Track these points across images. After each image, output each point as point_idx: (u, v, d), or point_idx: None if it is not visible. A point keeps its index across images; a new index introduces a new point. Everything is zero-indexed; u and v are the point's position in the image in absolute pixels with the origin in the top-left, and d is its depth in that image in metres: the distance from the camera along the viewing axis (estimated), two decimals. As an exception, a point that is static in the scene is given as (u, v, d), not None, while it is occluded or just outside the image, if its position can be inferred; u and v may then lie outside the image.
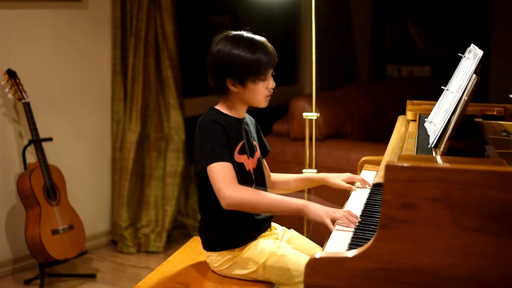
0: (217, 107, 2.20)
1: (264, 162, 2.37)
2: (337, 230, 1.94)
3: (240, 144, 2.17)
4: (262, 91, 2.15)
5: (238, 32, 2.17)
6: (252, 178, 2.21)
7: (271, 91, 2.18)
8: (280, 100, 5.17)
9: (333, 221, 2.00)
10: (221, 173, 2.03)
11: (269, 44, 2.16)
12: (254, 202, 2.05)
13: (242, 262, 2.18)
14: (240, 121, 2.21)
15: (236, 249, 2.19)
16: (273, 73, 2.19)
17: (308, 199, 2.90)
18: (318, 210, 2.03)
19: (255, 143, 2.27)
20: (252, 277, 2.18)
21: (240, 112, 2.21)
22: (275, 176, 2.44)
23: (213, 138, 2.07)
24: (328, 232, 1.93)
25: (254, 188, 2.21)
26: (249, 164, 2.20)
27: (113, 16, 4.04)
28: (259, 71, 2.10)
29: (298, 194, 2.58)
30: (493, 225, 1.45)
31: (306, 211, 2.04)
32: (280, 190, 2.44)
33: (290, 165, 3.95)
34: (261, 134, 2.36)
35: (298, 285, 2.12)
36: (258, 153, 2.27)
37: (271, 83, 2.16)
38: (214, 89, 2.18)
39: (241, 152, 2.17)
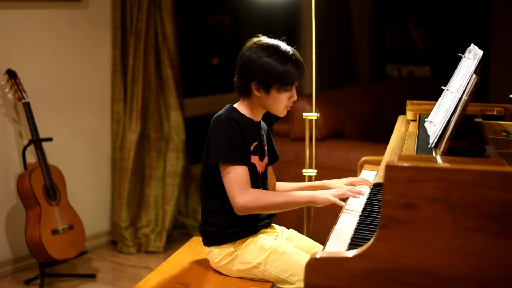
0: (235, 106, 2.23)
1: (272, 171, 2.41)
2: (346, 210, 2.01)
3: (254, 145, 2.20)
4: (283, 101, 2.19)
5: (275, 41, 2.20)
6: (260, 181, 2.24)
7: (292, 103, 2.22)
8: (280, 100, 5.17)
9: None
10: (235, 180, 2.08)
11: (300, 58, 2.19)
12: (266, 206, 2.13)
13: (243, 257, 2.19)
14: (255, 123, 2.24)
15: (237, 241, 2.20)
16: (296, 85, 2.22)
17: (308, 208, 2.92)
18: (324, 194, 2.12)
19: (265, 148, 2.30)
20: (252, 273, 2.19)
21: (257, 116, 2.24)
22: (280, 186, 2.47)
23: (228, 136, 2.11)
24: (328, 232, 1.93)
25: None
26: (259, 166, 2.23)
27: (113, 16, 4.04)
28: (286, 82, 2.15)
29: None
30: (493, 225, 1.45)
31: (315, 200, 2.12)
32: None
33: (290, 165, 3.95)
34: (272, 141, 2.39)
35: (298, 283, 2.13)
36: (266, 158, 2.29)
37: (294, 96, 2.20)
38: (238, 90, 2.22)
39: (254, 153, 2.20)
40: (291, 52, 2.18)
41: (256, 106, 2.21)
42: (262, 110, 2.24)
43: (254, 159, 2.20)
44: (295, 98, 2.21)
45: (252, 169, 2.18)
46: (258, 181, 2.23)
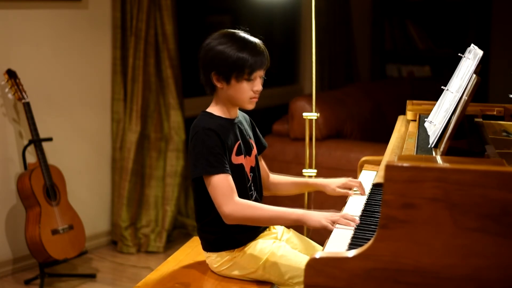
0: (208, 109, 2.19)
1: (263, 162, 2.36)
2: (337, 228, 1.94)
3: (236, 145, 2.16)
4: (246, 92, 2.12)
5: (232, 30, 2.16)
6: (249, 177, 2.21)
7: (257, 94, 2.15)
8: (280, 100, 5.17)
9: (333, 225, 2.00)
10: (220, 189, 2.05)
11: (262, 47, 2.13)
12: (254, 217, 2.08)
13: (241, 262, 2.18)
14: (233, 121, 2.19)
15: (236, 249, 2.18)
16: (265, 77, 2.17)
17: (307, 204, 2.89)
18: (316, 216, 2.03)
19: (251, 141, 2.26)
20: (252, 277, 2.18)
21: (232, 112, 2.19)
22: (274, 178, 2.43)
23: (207, 147, 2.06)
24: (328, 232, 1.93)
25: (253, 188, 2.23)
26: (247, 163, 2.20)
27: (113, 16, 4.04)
28: (242, 70, 2.08)
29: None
30: (493, 225, 1.45)
31: (305, 220, 2.04)
32: (278, 193, 2.44)
33: (290, 165, 3.95)
34: (257, 130, 2.34)
35: (298, 285, 2.12)
36: (254, 151, 2.26)
37: (257, 86, 2.13)
38: (204, 85, 2.19)
39: (238, 153, 2.16)
40: (248, 39, 2.12)
41: (224, 101, 2.16)
42: (232, 106, 2.18)
43: (240, 159, 2.16)
44: (259, 88, 2.13)
45: (239, 171, 2.15)
46: (248, 180, 2.20)
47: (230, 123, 2.17)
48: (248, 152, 2.21)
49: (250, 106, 2.16)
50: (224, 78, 2.11)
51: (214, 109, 2.18)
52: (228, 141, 2.12)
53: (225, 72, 2.10)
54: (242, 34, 2.14)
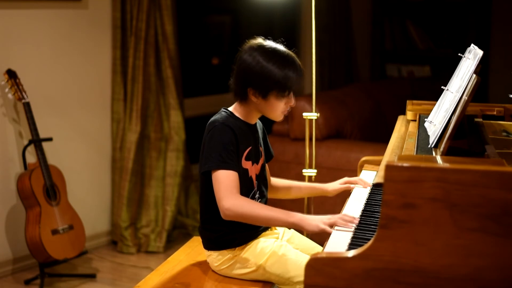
0: (231, 109, 2.19)
1: (267, 166, 2.37)
2: (336, 230, 1.94)
3: (248, 150, 2.17)
4: (281, 107, 2.15)
5: (273, 44, 2.14)
6: (253, 184, 2.21)
7: (290, 108, 2.19)
8: (280, 100, 5.16)
9: (331, 227, 2.00)
10: (224, 183, 2.05)
11: (298, 62, 2.14)
12: (251, 216, 2.06)
13: (242, 261, 2.18)
14: (251, 127, 2.21)
15: (237, 248, 2.19)
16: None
17: (307, 205, 2.88)
18: (314, 220, 2.01)
19: (261, 149, 2.28)
20: (252, 276, 2.19)
21: (253, 119, 2.21)
22: (276, 182, 2.44)
23: (222, 143, 2.07)
24: (328, 233, 1.93)
25: (257, 195, 2.23)
26: (253, 170, 2.21)
27: (113, 16, 4.04)
28: (285, 88, 2.10)
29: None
30: (493, 225, 1.46)
31: (302, 225, 2.03)
32: (280, 197, 2.45)
33: (290, 165, 3.95)
34: (267, 139, 2.36)
35: (298, 284, 2.12)
36: (262, 159, 2.27)
37: (292, 101, 2.16)
38: (234, 93, 2.17)
39: (248, 158, 2.17)
40: (290, 56, 2.12)
41: (252, 110, 2.17)
42: (258, 114, 2.20)
43: (247, 164, 2.17)
44: (292, 103, 2.16)
45: (244, 174, 2.15)
46: (252, 184, 2.21)
47: (248, 128, 2.19)
48: (256, 160, 2.23)
49: (280, 119, 2.19)
50: (262, 94, 2.10)
51: (236, 110, 2.18)
52: (242, 143, 2.13)
53: (265, 89, 2.09)
54: (283, 49, 2.13)
